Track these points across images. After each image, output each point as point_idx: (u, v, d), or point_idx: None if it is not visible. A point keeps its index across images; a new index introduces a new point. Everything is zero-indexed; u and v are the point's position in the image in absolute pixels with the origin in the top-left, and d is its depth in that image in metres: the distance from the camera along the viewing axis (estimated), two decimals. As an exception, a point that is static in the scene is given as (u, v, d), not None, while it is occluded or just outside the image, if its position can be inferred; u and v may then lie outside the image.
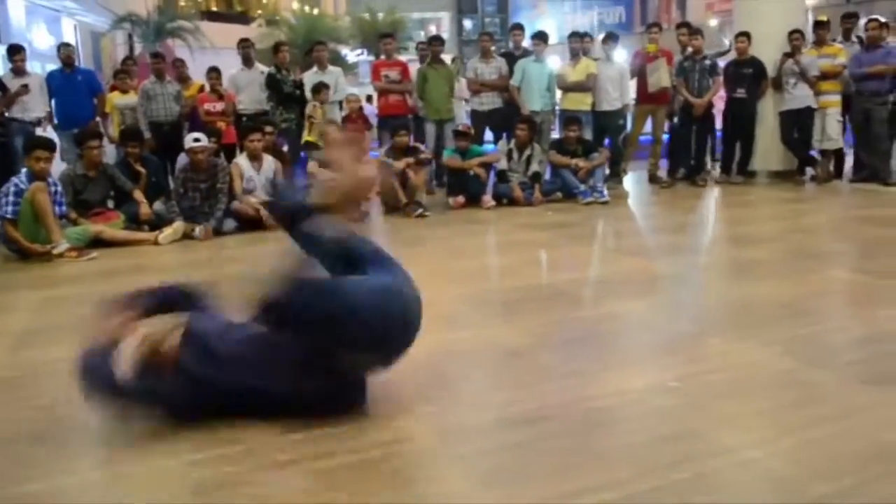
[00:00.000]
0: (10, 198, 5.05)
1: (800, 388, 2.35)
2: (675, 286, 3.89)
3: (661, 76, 7.84)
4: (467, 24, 35.45)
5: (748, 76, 7.84)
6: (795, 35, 7.68)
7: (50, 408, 2.42)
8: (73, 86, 7.54)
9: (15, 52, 7.41)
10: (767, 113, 7.97)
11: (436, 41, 8.34)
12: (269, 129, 6.72)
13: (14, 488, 1.86)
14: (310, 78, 7.71)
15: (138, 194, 5.90)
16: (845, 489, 1.72)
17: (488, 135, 8.37)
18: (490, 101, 7.99)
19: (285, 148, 7.42)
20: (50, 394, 2.58)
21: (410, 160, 6.76)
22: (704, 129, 8.09)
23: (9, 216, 5.01)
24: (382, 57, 8.35)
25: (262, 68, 7.84)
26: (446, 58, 8.61)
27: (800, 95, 7.65)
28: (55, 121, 7.61)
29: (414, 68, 8.11)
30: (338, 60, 8.26)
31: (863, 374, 2.45)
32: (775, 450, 1.92)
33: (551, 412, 2.21)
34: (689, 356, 2.69)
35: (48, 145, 5.44)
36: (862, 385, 2.36)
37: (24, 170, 5.29)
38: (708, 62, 7.92)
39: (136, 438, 2.13)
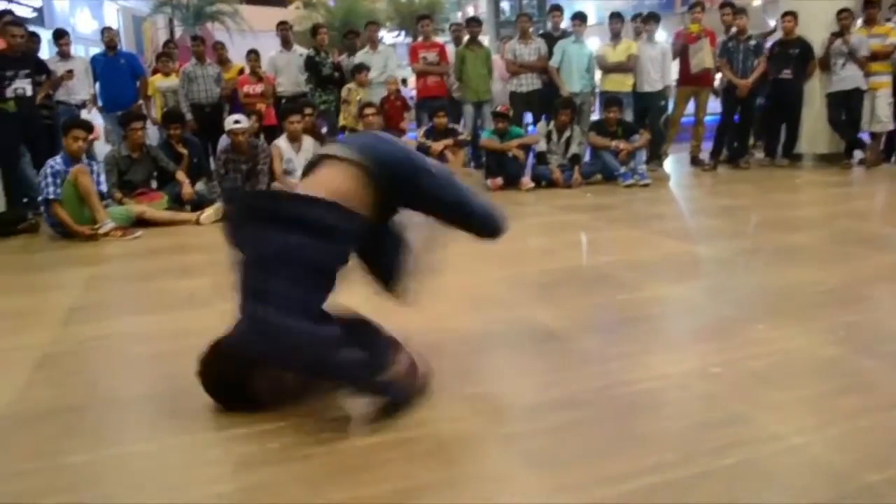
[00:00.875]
0: (49, 179, 5.16)
1: (847, 376, 2.30)
2: (717, 270, 3.83)
3: (703, 57, 7.69)
4: (504, 5, 35.09)
5: (794, 57, 7.64)
6: (844, 14, 7.46)
7: (95, 382, 2.48)
8: (116, 69, 7.66)
9: (59, 36, 7.53)
10: (814, 94, 7.78)
11: (473, 22, 8.33)
12: (308, 110, 6.75)
13: (59, 459, 1.90)
14: (360, 58, 7.75)
15: (181, 175, 5.98)
16: (894, 478, 1.68)
17: (527, 117, 8.32)
18: (529, 83, 7.93)
19: (324, 130, 7.46)
20: (96, 368, 2.65)
21: (449, 142, 6.75)
22: (747, 110, 7.93)
23: (52, 197, 5.12)
24: (420, 39, 8.32)
25: (300, 51, 7.87)
26: (483, 39, 8.57)
27: (848, 76, 7.44)
28: (100, 103, 7.75)
29: (449, 50, 8.08)
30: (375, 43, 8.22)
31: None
32: (822, 437, 1.89)
33: (592, 395, 2.20)
34: (732, 341, 2.64)
35: (85, 125, 5.55)
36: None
37: (60, 153, 5.40)
38: (752, 42, 7.75)
39: (179, 412, 2.17)
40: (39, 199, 5.34)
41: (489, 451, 1.90)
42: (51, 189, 5.13)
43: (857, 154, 7.77)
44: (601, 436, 1.95)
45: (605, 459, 1.81)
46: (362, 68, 7.44)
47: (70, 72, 7.10)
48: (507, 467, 1.82)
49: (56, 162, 5.25)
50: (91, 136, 5.81)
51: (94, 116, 7.50)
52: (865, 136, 7.83)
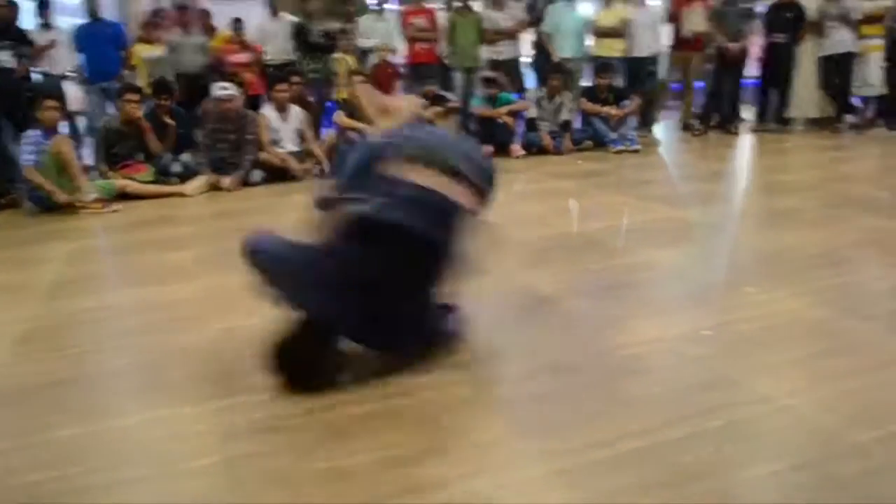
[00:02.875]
0: (30, 147, 5.10)
1: (836, 338, 2.30)
2: (708, 235, 3.82)
3: (696, 21, 7.61)
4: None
5: (789, 20, 7.57)
6: (838, -24, 7.38)
7: (81, 355, 2.46)
8: (100, 39, 7.49)
9: (42, 6, 7.37)
10: (806, 59, 7.71)
11: (464, -12, 8.18)
12: (295, 78, 6.66)
13: (48, 433, 1.88)
14: (364, 24, 7.66)
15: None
16: (884, 437, 1.68)
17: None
18: (507, 51, 7.80)
19: (311, 99, 7.36)
20: (82, 342, 2.62)
21: (438, 109, 6.68)
22: (738, 75, 7.87)
23: (30, 164, 5.05)
24: (411, 4, 8.19)
25: (288, 18, 7.74)
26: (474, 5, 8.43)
27: (840, 40, 7.38)
28: (85, 74, 7.61)
29: (440, 16, 7.96)
30: (364, 8, 8.10)
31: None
32: (811, 398, 1.89)
33: (582, 360, 2.19)
34: (722, 305, 2.64)
35: (55, 94, 5.44)
36: (902, 334, 2.30)
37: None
38: (744, 7, 7.67)
39: (165, 385, 2.15)
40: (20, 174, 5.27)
41: (479, 417, 1.89)
42: (31, 157, 5.06)
43: (848, 118, 7.73)
44: (591, 400, 1.94)
45: (594, 423, 1.80)
46: (341, 35, 7.35)
47: (53, 42, 6.96)
48: (496, 433, 1.81)
49: (35, 133, 5.18)
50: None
51: (68, 87, 7.36)
52: (856, 101, 7.79)
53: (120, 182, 5.47)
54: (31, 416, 2.01)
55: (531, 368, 2.16)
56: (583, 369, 2.13)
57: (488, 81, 7.03)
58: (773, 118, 7.92)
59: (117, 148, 5.77)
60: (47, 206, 5.09)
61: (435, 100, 6.75)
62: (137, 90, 6.18)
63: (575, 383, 2.05)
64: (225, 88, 5.92)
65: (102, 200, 5.11)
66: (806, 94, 7.82)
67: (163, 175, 5.83)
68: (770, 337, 2.32)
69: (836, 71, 7.52)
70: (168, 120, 6.12)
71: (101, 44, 7.45)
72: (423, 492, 1.55)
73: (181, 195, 5.47)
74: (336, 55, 7.41)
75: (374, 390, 2.01)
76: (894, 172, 5.42)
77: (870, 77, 7.39)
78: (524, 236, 3.75)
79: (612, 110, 6.94)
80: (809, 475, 1.55)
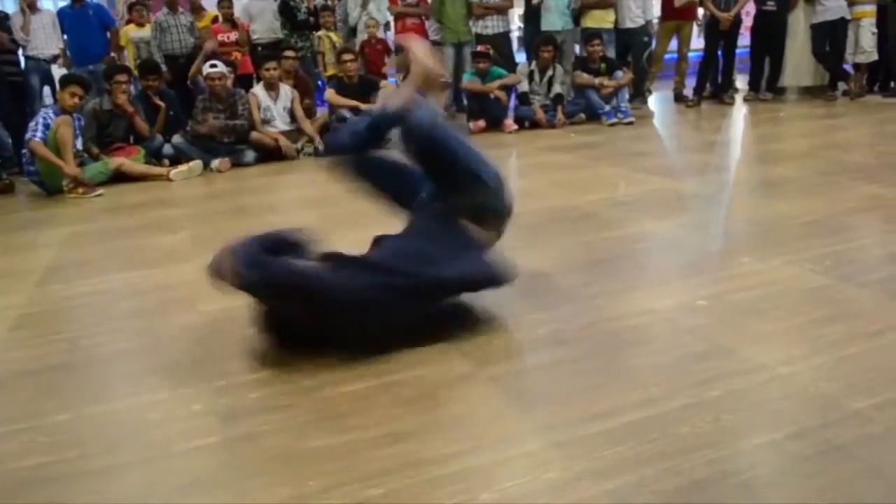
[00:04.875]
0: (40, 125, 5.13)
1: (833, 305, 2.29)
2: (703, 205, 3.80)
3: (686, -8, 7.55)
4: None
5: (779, -13, 7.52)
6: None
7: (75, 340, 2.44)
8: (84, 21, 7.40)
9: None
10: (798, 26, 7.66)
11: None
12: (290, 53, 6.58)
13: (43, 419, 1.87)
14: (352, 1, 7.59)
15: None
16: (883, 403, 1.67)
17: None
18: (494, 25, 7.71)
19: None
20: (76, 327, 2.61)
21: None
22: (731, 44, 7.82)
23: (37, 139, 5.03)
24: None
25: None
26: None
27: (833, 7, 7.33)
28: (71, 58, 7.52)
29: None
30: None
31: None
32: (809, 366, 1.88)
33: (580, 333, 2.18)
34: (718, 275, 2.63)
35: (84, 83, 5.43)
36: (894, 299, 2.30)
37: (51, 106, 5.29)
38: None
39: (160, 368, 2.14)
40: (23, 150, 5.25)
41: (476, 392, 1.88)
42: (38, 134, 5.07)
43: (842, 86, 7.70)
44: (590, 373, 1.93)
45: (592, 396, 1.79)
46: (324, 11, 7.27)
47: (26, 24, 6.87)
48: (494, 408, 1.80)
49: (48, 115, 5.22)
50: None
51: (55, 71, 7.28)
52: (849, 68, 7.75)
53: (115, 161, 5.43)
54: (25, 401, 1.99)
55: (528, 342, 2.15)
56: (580, 342, 2.12)
57: (479, 56, 6.97)
58: (767, 87, 7.88)
59: (109, 129, 5.73)
60: (46, 188, 5.07)
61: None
62: (126, 71, 6.11)
63: (572, 356, 2.04)
64: (214, 66, 5.86)
65: (86, 185, 5.06)
66: (799, 63, 7.78)
67: (154, 158, 5.80)
68: (766, 305, 2.31)
69: (829, 38, 7.47)
70: (158, 102, 6.07)
71: (86, 26, 7.37)
72: (420, 468, 1.54)
73: (166, 179, 5.42)
74: (319, 33, 7.34)
75: (369, 367, 2.00)
76: (888, 139, 5.40)
77: (863, 43, 7.35)
78: (518, 210, 3.72)
79: (604, 81, 6.89)
80: (808, 443, 1.54)
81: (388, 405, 1.82)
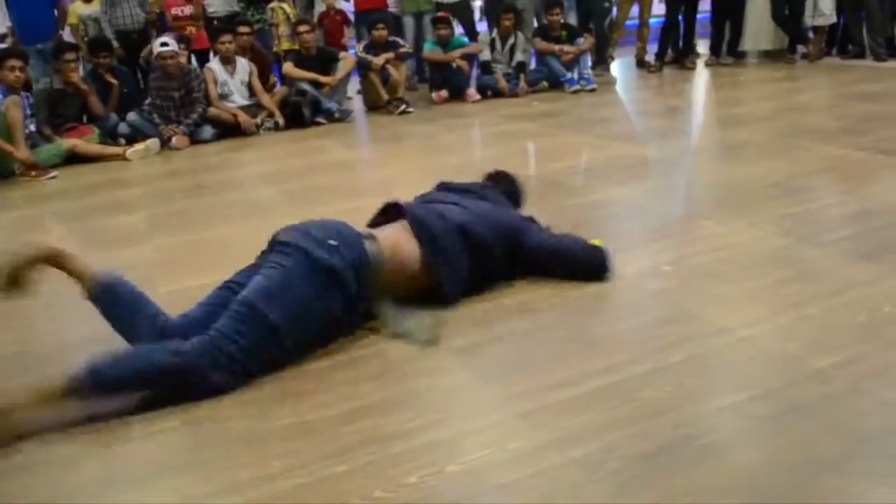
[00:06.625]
0: None
1: (794, 266, 2.32)
2: (665, 170, 3.81)
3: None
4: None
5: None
6: None
7: (30, 328, 2.39)
8: (33, 0, 7.14)
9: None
10: (758, -10, 7.68)
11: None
12: (245, 28, 6.43)
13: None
14: None
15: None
16: (844, 362, 1.70)
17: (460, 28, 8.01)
18: None
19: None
20: (31, 314, 2.53)
21: (390, 55, 6.53)
22: (692, 9, 7.81)
23: None
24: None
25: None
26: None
27: (791, -31, 7.34)
28: (18, 36, 7.25)
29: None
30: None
31: (857, 249, 2.41)
32: (771, 327, 1.90)
33: (545, 301, 2.17)
34: (680, 239, 2.64)
35: (21, 54, 5.25)
36: (857, 259, 2.32)
37: None
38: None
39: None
40: None
41: (440, 365, 1.87)
42: None
43: (801, 49, 7.74)
44: (556, 341, 1.93)
45: (557, 364, 1.79)
46: None
47: None
48: (459, 380, 1.79)
49: None
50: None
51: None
52: (808, 31, 7.79)
53: (68, 143, 5.28)
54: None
55: (491, 313, 2.14)
56: (544, 311, 2.11)
57: (439, 22, 6.87)
58: (728, 51, 7.91)
59: (61, 109, 5.56)
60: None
61: (386, 47, 6.61)
62: (74, 48, 5.93)
63: (539, 325, 2.03)
64: (165, 45, 5.70)
65: (38, 168, 4.91)
66: (759, 26, 7.80)
67: (110, 138, 5.65)
68: (729, 268, 2.33)
69: (787, 2, 7.49)
70: (110, 79, 5.90)
71: (32, 3, 7.10)
72: (385, 443, 1.52)
73: (123, 158, 5.28)
74: (272, 4, 7.17)
75: (333, 344, 1.97)
76: (846, 102, 5.45)
77: (822, 6, 7.38)
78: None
79: (566, 48, 6.85)
80: (770, 404, 1.56)
81: (351, 382, 1.80)
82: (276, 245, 1.98)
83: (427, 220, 2.13)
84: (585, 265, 2.27)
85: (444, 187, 2.54)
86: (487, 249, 2.18)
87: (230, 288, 1.96)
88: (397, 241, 2.07)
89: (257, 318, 1.78)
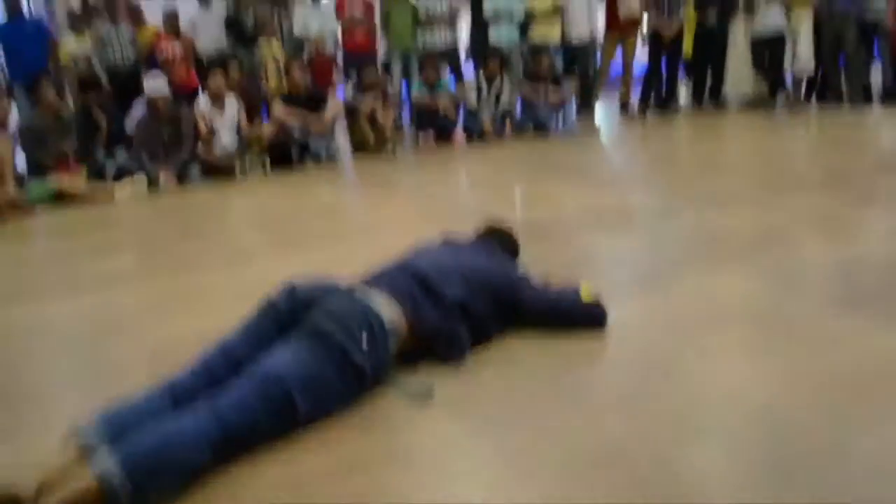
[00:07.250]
0: None
1: (778, 316, 2.34)
2: (649, 219, 3.86)
3: (631, 6, 7.68)
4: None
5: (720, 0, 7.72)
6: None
7: (12, 368, 2.36)
8: (22, 37, 7.15)
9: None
10: (738, 38, 7.86)
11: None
12: (234, 68, 6.49)
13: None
14: (300, 15, 7.57)
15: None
16: (829, 414, 1.71)
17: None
18: (442, 38, 7.69)
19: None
20: (11, 359, 2.50)
21: (378, 102, 6.60)
22: (675, 56, 7.99)
23: None
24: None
25: (219, 8, 7.56)
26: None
27: (770, 23, 7.52)
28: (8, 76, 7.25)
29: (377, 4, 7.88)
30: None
31: (843, 298, 2.45)
32: (756, 379, 1.92)
33: (527, 354, 2.17)
34: (664, 289, 2.67)
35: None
36: (842, 309, 2.35)
37: None
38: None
39: (104, 399, 2.07)
40: None
41: (431, 417, 1.86)
42: None
43: (781, 98, 7.91)
44: (540, 394, 1.94)
45: (545, 419, 1.79)
46: (264, 23, 7.24)
47: None
48: (449, 434, 1.79)
49: None
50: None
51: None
52: (787, 78, 7.98)
53: (58, 182, 5.26)
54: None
55: (479, 362, 2.13)
56: (530, 361, 2.12)
57: (427, 63, 6.96)
58: (710, 98, 8.07)
59: (50, 145, 5.53)
60: None
61: (374, 88, 6.68)
62: (48, 74, 5.96)
63: (524, 375, 2.04)
64: (156, 82, 5.75)
65: (23, 208, 4.89)
66: (740, 73, 7.97)
67: (98, 177, 5.63)
68: (713, 319, 2.36)
69: (768, 50, 7.67)
70: (100, 117, 5.91)
71: (23, 42, 7.14)
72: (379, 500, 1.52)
73: (110, 200, 5.27)
74: (260, 40, 7.26)
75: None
76: (827, 150, 5.56)
77: (801, 54, 7.55)
78: (464, 226, 3.73)
79: (550, 93, 6.96)
80: (757, 458, 1.57)
81: (342, 435, 1.79)
82: (305, 320, 1.91)
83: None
84: (583, 322, 2.31)
85: (446, 243, 2.55)
86: (487, 319, 2.22)
87: (234, 355, 1.90)
88: (401, 315, 2.06)
89: (287, 407, 1.75)
